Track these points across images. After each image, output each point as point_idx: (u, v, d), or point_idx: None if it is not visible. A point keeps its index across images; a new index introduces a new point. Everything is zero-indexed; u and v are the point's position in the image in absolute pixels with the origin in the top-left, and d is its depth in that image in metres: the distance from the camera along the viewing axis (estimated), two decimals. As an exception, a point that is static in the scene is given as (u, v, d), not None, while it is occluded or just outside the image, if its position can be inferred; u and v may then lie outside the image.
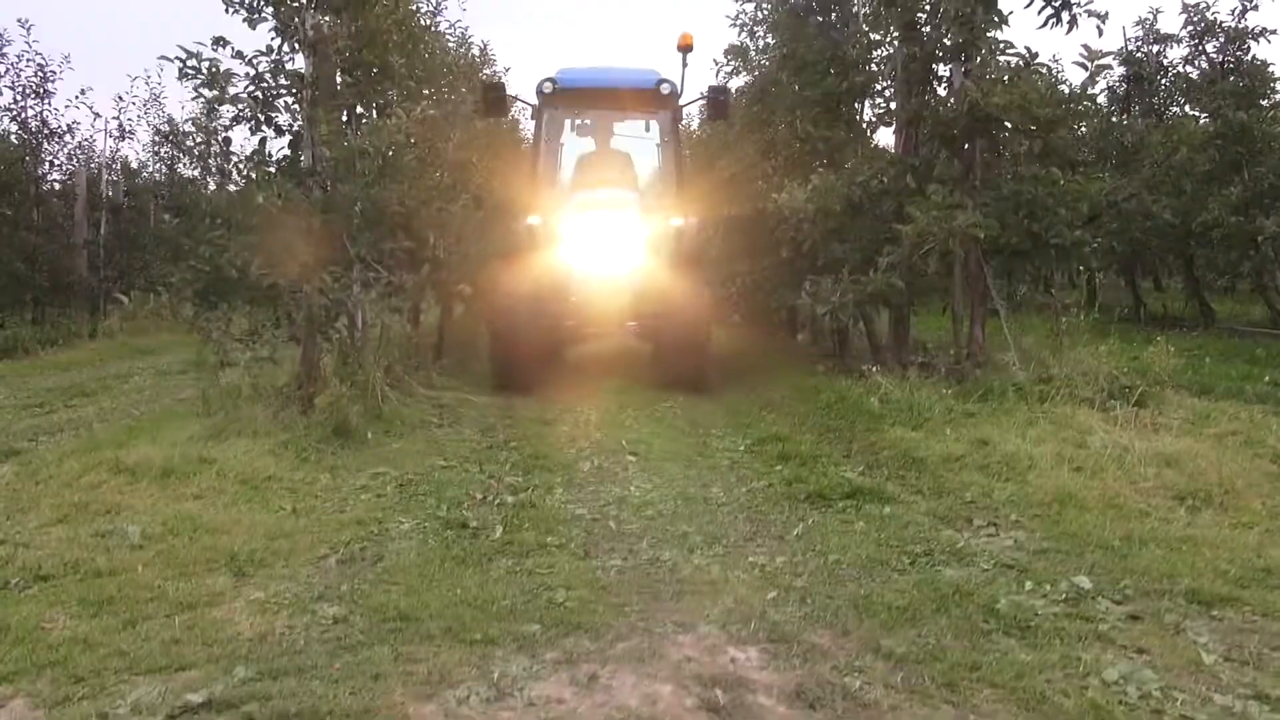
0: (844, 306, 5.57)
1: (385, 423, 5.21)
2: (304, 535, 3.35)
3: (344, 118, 5.72)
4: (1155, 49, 10.67)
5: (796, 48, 7.00)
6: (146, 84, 16.96)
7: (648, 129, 7.58)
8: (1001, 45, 5.67)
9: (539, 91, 7.19)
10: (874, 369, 5.49)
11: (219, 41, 5.49)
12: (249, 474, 4.16)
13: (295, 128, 5.61)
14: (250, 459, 4.35)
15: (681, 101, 7.28)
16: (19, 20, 12.58)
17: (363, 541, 3.27)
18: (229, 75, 5.34)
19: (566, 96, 7.25)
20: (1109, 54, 5.36)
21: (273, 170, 5.47)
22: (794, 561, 3.01)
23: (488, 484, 4.10)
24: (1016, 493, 3.62)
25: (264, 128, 5.63)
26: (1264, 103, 9.02)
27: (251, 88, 5.55)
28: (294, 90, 5.63)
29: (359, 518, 3.56)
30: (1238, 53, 9.39)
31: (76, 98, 12.42)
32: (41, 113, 11.92)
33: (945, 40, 5.72)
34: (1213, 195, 8.90)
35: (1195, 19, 9.53)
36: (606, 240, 6.54)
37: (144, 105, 14.83)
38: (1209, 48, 9.62)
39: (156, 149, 14.75)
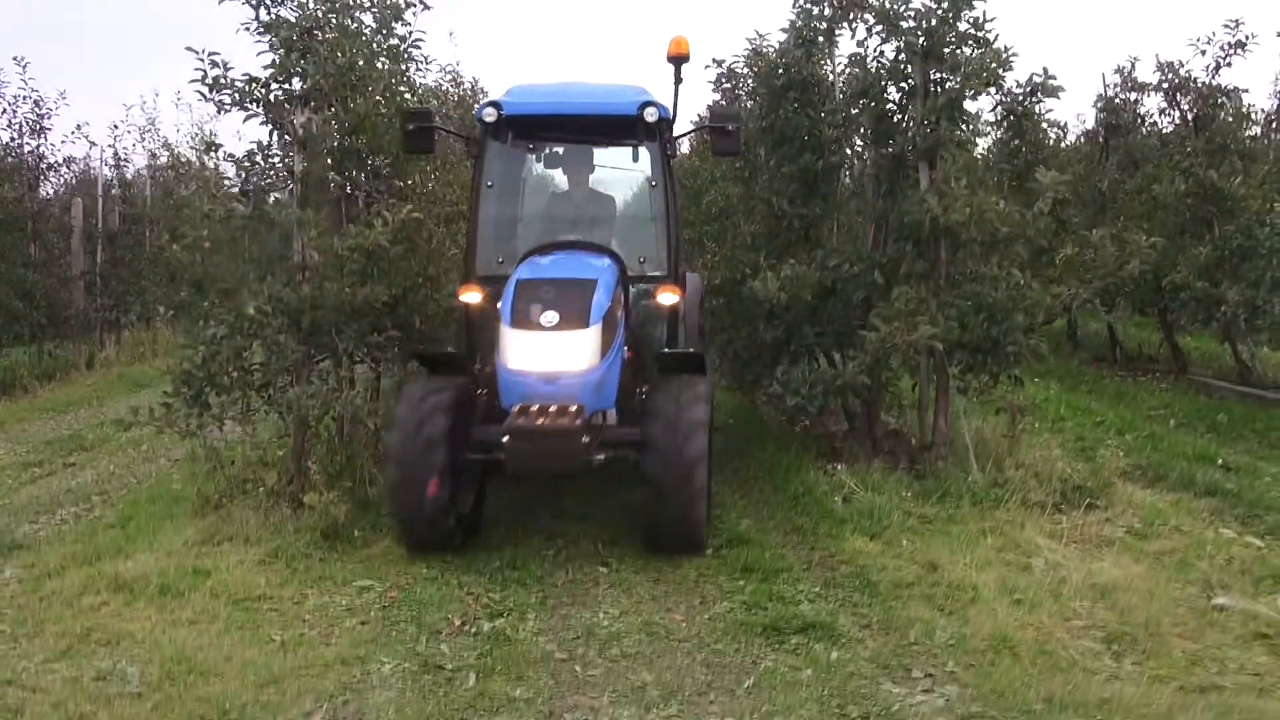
0: (812, 399, 5.81)
1: (373, 512, 5.46)
2: (290, 680, 3.60)
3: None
4: (1133, 97, 10.89)
5: (775, 121, 7.20)
6: (142, 110, 17.16)
7: (635, 157, 5.73)
8: (968, 147, 5.91)
9: (478, 119, 5.54)
10: (838, 468, 5.74)
11: (211, 148, 5.74)
12: (241, 592, 4.42)
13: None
14: (242, 572, 4.62)
15: (675, 131, 5.81)
16: (15, 59, 12.77)
17: (345, 693, 3.53)
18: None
19: (516, 125, 5.53)
20: (1062, 181, 5.61)
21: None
22: (743, 724, 3.28)
23: (466, 603, 4.36)
24: (957, 633, 3.87)
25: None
26: (1236, 161, 9.22)
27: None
28: (284, 186, 5.88)
29: (343, 655, 3.81)
30: (1209, 108, 9.60)
31: (73, 132, 12.59)
32: (39, 148, 12.12)
33: (915, 141, 5.94)
34: (1183, 253, 9.13)
35: (1169, 74, 9.73)
36: (564, 326, 4.65)
37: (140, 132, 15.00)
38: (1183, 104, 9.83)
39: (154, 174, 14.94)
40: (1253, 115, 10.41)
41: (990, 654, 3.70)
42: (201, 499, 5.52)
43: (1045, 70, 6.17)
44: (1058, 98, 6.20)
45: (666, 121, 5.49)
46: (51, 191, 13.06)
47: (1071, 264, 6.05)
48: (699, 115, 8.26)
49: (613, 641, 3.95)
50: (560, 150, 6.03)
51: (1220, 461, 6.46)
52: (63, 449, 8.55)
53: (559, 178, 6.39)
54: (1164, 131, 10.34)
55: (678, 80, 5.50)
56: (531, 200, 6.33)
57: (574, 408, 4.49)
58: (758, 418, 7.43)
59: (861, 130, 6.49)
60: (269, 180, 5.82)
